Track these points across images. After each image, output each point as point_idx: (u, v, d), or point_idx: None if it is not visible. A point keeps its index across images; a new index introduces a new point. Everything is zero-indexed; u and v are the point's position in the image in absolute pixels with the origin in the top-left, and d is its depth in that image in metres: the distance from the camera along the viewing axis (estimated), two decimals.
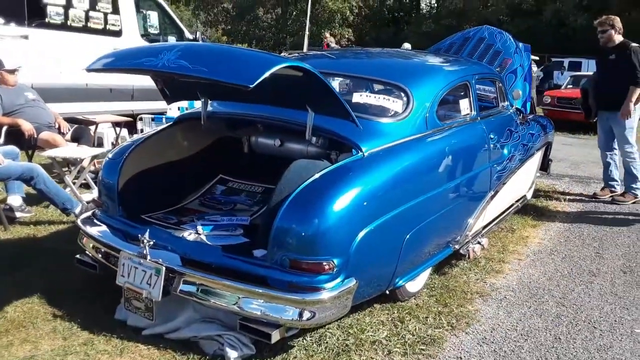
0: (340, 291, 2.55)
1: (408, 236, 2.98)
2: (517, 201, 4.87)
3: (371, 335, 2.86)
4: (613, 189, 5.85)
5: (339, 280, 2.58)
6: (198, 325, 2.74)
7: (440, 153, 3.31)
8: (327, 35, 11.83)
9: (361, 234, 2.65)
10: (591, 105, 5.74)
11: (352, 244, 2.62)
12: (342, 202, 2.60)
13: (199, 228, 3.07)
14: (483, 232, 4.02)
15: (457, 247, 3.59)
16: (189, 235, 3.00)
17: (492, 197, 4.02)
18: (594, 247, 4.39)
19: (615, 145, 5.68)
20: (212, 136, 3.71)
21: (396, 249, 2.93)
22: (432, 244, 3.34)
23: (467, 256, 3.73)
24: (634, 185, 5.64)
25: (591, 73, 6.47)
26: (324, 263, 2.54)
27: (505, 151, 4.22)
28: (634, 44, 5.34)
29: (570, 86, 13.20)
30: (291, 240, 2.55)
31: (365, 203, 2.70)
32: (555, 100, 12.09)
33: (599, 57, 5.77)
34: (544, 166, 5.66)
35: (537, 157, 5.17)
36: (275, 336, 2.50)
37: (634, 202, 5.66)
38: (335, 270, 2.56)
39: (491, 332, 3.00)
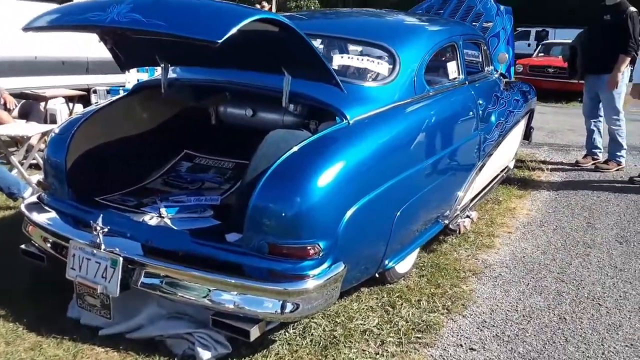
0: (328, 278, 2.23)
1: (399, 213, 2.68)
2: (502, 171, 4.64)
3: (361, 324, 2.56)
4: (595, 157, 5.68)
5: (325, 265, 2.26)
6: (164, 323, 2.38)
7: (431, 121, 3.00)
8: (264, 3, 10.93)
9: (349, 213, 2.33)
10: (578, 66, 5.49)
11: (340, 224, 2.30)
12: (328, 176, 2.26)
13: (163, 210, 2.69)
14: (471, 205, 3.77)
15: (446, 222, 3.32)
16: (150, 219, 2.63)
17: (481, 167, 3.76)
18: (585, 217, 4.20)
19: (601, 113, 5.49)
20: (174, 107, 3.31)
21: (387, 227, 2.63)
22: (422, 220, 3.05)
23: (457, 231, 3.47)
24: (618, 153, 5.48)
25: (570, 40, 6.17)
26: (309, 247, 2.21)
27: (493, 118, 3.95)
28: (632, 8, 5.07)
29: (542, 54, 13.08)
30: (270, 221, 2.21)
31: (353, 177, 2.37)
32: (527, 69, 11.95)
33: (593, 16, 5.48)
34: (526, 134, 5.42)
35: (521, 125, 4.93)
36: (255, 333, 2.17)
37: (617, 170, 5.51)
38: (321, 254, 2.24)
39: (490, 314, 2.74)
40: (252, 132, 2.93)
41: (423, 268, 3.19)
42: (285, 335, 2.46)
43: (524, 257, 3.46)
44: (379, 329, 2.55)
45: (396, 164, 2.67)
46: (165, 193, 3.00)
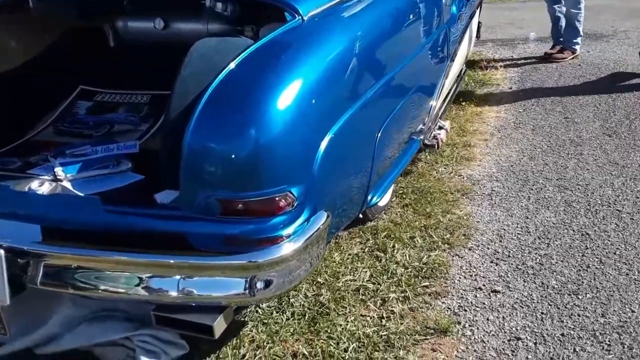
0: (310, 236, 1.60)
1: (379, 134, 2.06)
2: (460, 72, 4.10)
3: (351, 281, 2.00)
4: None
5: (302, 219, 1.62)
6: (86, 328, 1.70)
7: (403, 10, 2.34)
8: None
9: (324, 143, 1.68)
10: None
11: (314, 160, 1.65)
12: (289, 96, 1.57)
13: (58, 170, 1.92)
14: (440, 114, 3.22)
15: (422, 137, 2.76)
16: (41, 185, 1.86)
17: (449, 68, 3.18)
18: (559, 112, 3.77)
19: None
20: (54, 28, 2.43)
21: (369, 154, 2.01)
22: (402, 139, 2.46)
23: (434, 146, 2.92)
24: (574, 40, 5.05)
25: None
26: (277, 197, 1.56)
27: (454, 9, 3.32)
28: None
29: None
30: (216, 168, 1.52)
31: (321, 94, 1.70)
32: None
33: None
34: (476, 32, 4.89)
35: (476, 19, 4.36)
36: (220, 326, 1.54)
37: (572, 58, 5.11)
38: (295, 205, 1.59)
39: (500, 241, 2.25)
40: (167, 51, 2.14)
41: (404, 196, 2.64)
42: (258, 313, 1.85)
43: (511, 166, 2.98)
44: (374, 283, 1.99)
45: (372, 70, 2.02)
46: (60, 146, 2.19)
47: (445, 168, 2.98)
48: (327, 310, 1.85)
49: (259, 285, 1.51)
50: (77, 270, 1.56)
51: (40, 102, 2.42)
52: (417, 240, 2.26)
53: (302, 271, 1.62)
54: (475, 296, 1.92)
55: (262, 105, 1.53)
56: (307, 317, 1.83)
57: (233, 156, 1.51)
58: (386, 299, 1.90)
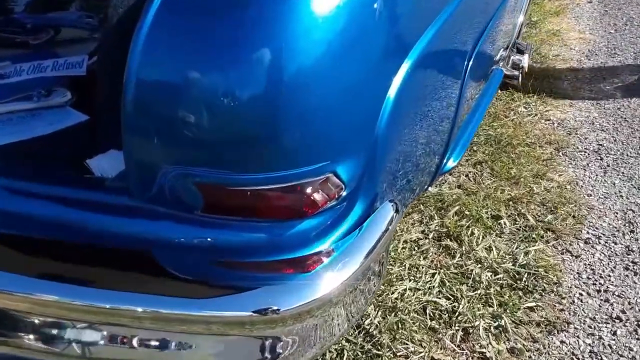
0: (368, 252, 0.87)
1: (470, 62, 1.28)
2: None
3: (412, 292, 1.29)
4: None
5: (352, 219, 0.88)
6: None
7: None
8: None
9: (396, 81, 0.90)
10: None
11: (380, 113, 0.88)
12: None
13: None
14: (518, 37, 2.39)
15: (503, 67, 1.96)
16: None
17: None
18: None
19: None
20: None
21: (454, 94, 1.24)
22: (489, 69, 1.67)
23: (517, 78, 2.13)
24: None
25: None
26: (311, 184, 0.81)
27: None
28: None
29: None
30: (194, 124, 0.75)
31: None
32: None
33: None
34: None
35: None
36: None
37: None
38: (343, 196, 0.85)
39: (632, 231, 1.51)
40: None
41: (475, 148, 1.88)
42: None
43: (618, 109, 2.18)
44: (448, 297, 1.28)
45: None
46: None
47: (525, 108, 2.19)
48: (379, 349, 1.15)
49: (270, 355, 0.81)
50: None
51: None
52: (504, 223, 1.52)
53: (349, 316, 0.90)
54: (614, 333, 1.21)
55: (288, 3, 0.74)
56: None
57: (228, 101, 0.75)
58: (470, 330, 1.20)
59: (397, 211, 0.95)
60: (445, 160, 1.32)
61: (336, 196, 0.84)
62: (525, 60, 2.18)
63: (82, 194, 0.87)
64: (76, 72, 1.35)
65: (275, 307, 0.77)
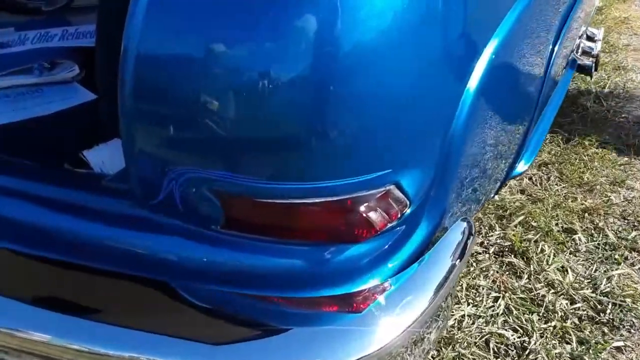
0: (436, 288, 0.66)
1: (557, 47, 1.05)
2: None
3: (473, 319, 1.08)
4: None
5: (414, 244, 0.67)
6: None
7: None
8: None
9: (479, 68, 0.68)
10: None
11: (458, 108, 0.66)
12: None
13: None
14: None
15: (577, 58, 1.71)
16: None
17: None
18: None
19: None
20: None
21: (537, 84, 1.02)
22: (564, 60, 1.43)
23: (591, 68, 1.86)
24: None
25: None
26: (367, 199, 0.61)
27: None
28: None
29: None
30: (216, 114, 0.56)
31: None
32: None
33: None
34: None
35: None
36: None
37: None
38: (406, 214, 0.64)
39: None
40: None
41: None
42: None
43: None
44: (516, 329, 1.07)
45: None
46: None
47: (595, 103, 1.93)
48: None
49: None
50: None
51: None
52: (580, 239, 1.29)
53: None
54: None
55: None
56: None
57: (261, 84, 0.54)
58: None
59: (471, 232, 0.74)
60: (516, 165, 1.10)
61: (398, 215, 0.63)
62: (597, 49, 1.91)
63: (69, 195, 0.69)
64: (87, 43, 1.18)
65: None
